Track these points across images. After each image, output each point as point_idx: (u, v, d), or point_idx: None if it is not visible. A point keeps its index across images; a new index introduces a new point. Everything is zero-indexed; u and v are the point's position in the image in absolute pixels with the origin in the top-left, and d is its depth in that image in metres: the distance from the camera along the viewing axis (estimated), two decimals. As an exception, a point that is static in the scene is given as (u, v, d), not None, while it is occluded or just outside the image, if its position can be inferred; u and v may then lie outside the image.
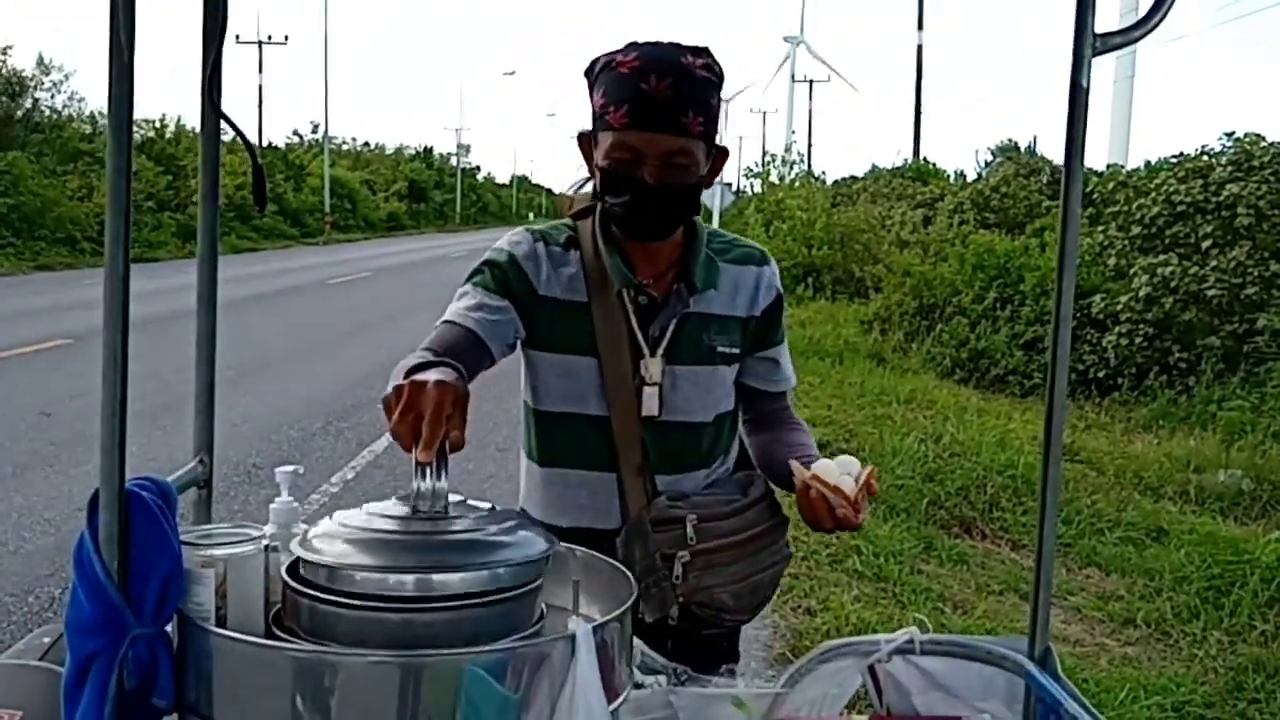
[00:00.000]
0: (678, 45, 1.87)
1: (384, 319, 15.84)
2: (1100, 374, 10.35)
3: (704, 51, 1.87)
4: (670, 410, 1.98)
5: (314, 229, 42.69)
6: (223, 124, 1.64)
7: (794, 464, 1.82)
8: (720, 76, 1.88)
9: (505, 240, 2.01)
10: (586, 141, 1.94)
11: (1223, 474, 7.36)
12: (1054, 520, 1.51)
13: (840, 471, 1.77)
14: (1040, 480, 1.60)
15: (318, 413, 8.87)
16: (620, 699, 1.39)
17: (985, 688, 1.56)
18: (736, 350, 2.05)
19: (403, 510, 1.38)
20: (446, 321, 1.89)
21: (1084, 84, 1.37)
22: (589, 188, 2.00)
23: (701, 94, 1.83)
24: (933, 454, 7.26)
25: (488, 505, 1.45)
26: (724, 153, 1.92)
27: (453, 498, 1.41)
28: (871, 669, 1.58)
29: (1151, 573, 5.70)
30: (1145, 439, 8.88)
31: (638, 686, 1.58)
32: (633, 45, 1.87)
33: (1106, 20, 1.38)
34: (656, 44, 1.87)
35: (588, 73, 1.92)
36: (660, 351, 1.97)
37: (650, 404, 1.96)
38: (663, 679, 1.65)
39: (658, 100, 1.80)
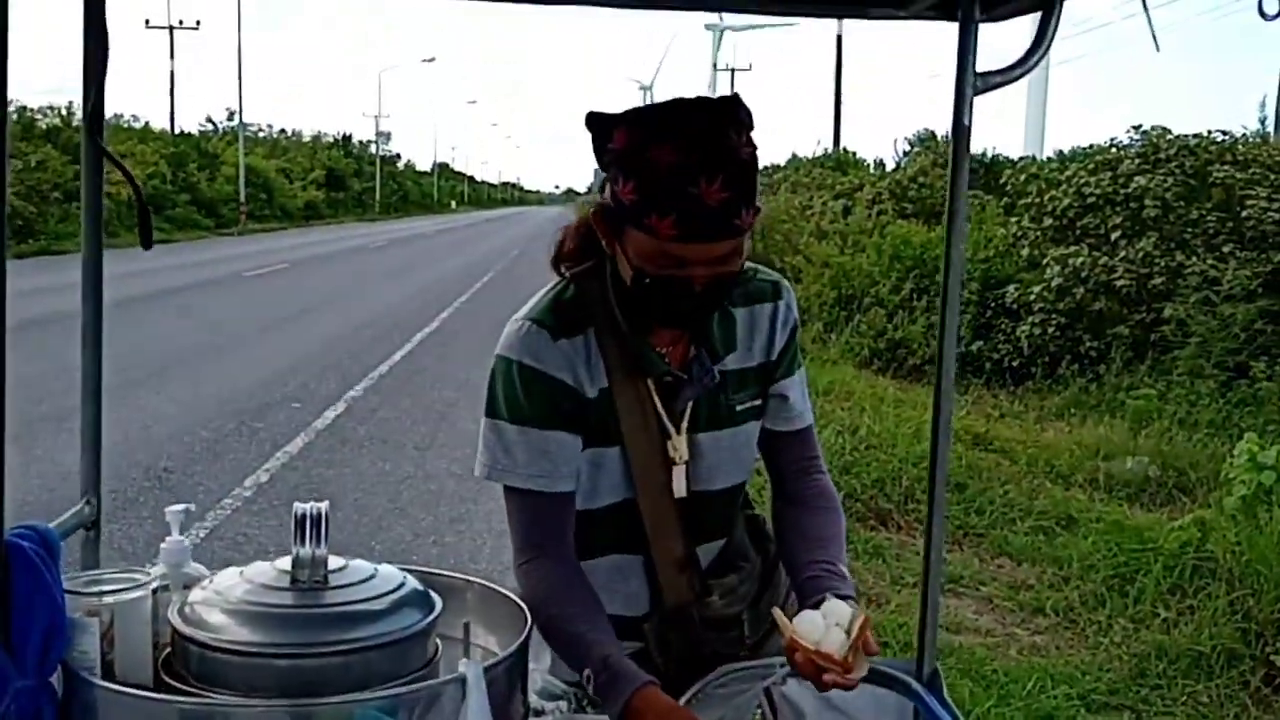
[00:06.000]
0: (710, 112, 1.57)
1: (301, 313, 15.59)
2: (1014, 363, 10.57)
3: (737, 111, 1.59)
4: (697, 482, 1.80)
5: (229, 219, 41.89)
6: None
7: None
8: (753, 134, 1.60)
9: (521, 348, 1.69)
10: (605, 220, 1.65)
11: (1130, 461, 7.54)
12: (942, 524, 1.55)
13: (827, 624, 1.52)
14: (928, 494, 1.64)
15: (231, 412, 8.69)
16: (515, 734, 1.40)
17: (878, 708, 1.60)
18: (759, 402, 1.84)
19: (283, 581, 1.38)
20: (531, 493, 1.70)
21: (965, 123, 1.41)
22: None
23: (752, 181, 1.56)
24: (849, 446, 7.34)
25: (371, 568, 1.45)
26: (757, 211, 1.59)
27: (334, 562, 1.40)
28: (768, 691, 1.60)
29: (1060, 561, 5.84)
30: (1057, 426, 9.07)
31: (537, 714, 1.59)
32: (658, 119, 1.60)
33: (987, 60, 1.41)
34: (688, 114, 1.58)
35: (598, 133, 1.62)
36: (684, 427, 1.78)
37: (680, 484, 1.79)
38: (563, 704, 1.66)
39: (710, 208, 1.52)
